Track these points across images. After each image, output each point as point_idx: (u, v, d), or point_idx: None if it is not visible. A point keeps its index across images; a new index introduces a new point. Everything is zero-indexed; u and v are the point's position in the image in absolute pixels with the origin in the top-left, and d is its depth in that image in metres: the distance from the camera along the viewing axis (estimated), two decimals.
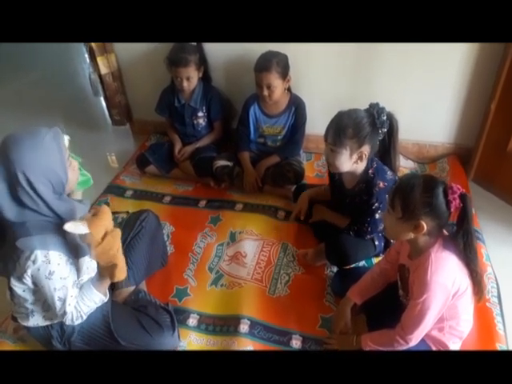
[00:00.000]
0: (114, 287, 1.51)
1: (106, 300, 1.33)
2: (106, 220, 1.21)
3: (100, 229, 1.18)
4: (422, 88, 2.10)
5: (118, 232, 1.23)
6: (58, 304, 1.21)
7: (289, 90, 2.10)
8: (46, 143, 1.14)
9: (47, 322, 1.32)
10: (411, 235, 1.18)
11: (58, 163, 1.16)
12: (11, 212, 1.14)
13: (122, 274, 1.26)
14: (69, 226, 1.14)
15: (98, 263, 1.25)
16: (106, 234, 1.19)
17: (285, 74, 1.98)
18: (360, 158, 1.48)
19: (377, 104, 1.46)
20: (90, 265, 1.30)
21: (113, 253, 1.20)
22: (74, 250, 1.24)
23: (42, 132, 1.15)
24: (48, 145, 1.14)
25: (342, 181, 1.63)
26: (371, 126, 1.45)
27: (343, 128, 1.44)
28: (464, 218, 1.13)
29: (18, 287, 1.22)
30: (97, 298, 1.29)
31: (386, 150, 1.54)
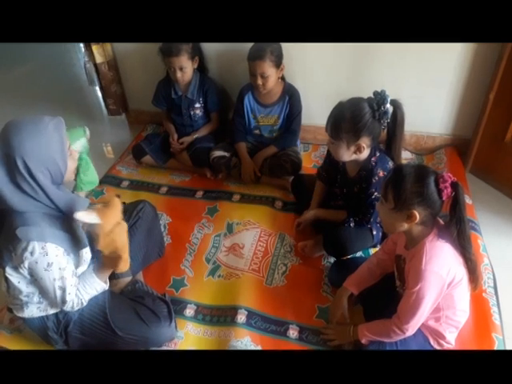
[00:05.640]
0: (110, 277, 1.50)
1: (106, 288, 1.34)
2: (117, 212, 1.22)
3: (110, 220, 1.18)
4: (419, 78, 2.09)
5: (125, 225, 1.24)
6: (58, 293, 1.21)
7: (283, 79, 2.08)
8: (48, 132, 1.13)
9: (42, 313, 1.32)
10: (405, 225, 1.18)
11: (59, 153, 1.15)
12: (13, 199, 1.13)
13: (125, 265, 1.27)
14: (80, 215, 1.15)
15: (102, 253, 1.25)
16: (115, 226, 1.19)
17: (278, 62, 1.97)
18: (358, 149, 1.47)
19: (380, 93, 1.42)
20: (86, 257, 1.30)
21: (119, 244, 1.21)
22: (73, 243, 1.23)
23: (45, 120, 1.15)
24: (50, 133, 1.13)
25: (346, 169, 1.62)
26: (370, 118, 1.42)
27: (340, 121, 1.43)
28: (456, 205, 1.13)
29: (13, 276, 1.22)
30: (98, 286, 1.30)
31: (389, 140, 1.52)
